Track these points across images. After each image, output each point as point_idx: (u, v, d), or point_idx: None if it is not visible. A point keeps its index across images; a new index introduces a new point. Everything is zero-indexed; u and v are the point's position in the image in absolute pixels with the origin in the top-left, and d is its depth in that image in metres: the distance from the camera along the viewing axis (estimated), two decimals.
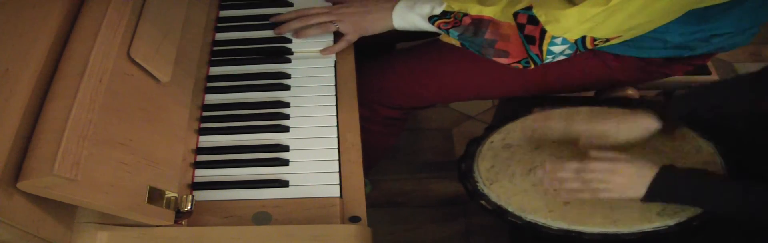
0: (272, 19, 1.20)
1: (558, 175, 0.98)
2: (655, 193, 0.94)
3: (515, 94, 1.33)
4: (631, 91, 1.38)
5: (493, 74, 1.26)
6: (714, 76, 1.44)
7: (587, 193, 0.97)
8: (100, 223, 0.84)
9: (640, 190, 0.94)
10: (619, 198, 0.96)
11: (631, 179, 0.94)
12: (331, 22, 1.16)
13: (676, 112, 1.02)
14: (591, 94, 1.49)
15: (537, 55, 1.01)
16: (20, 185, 0.71)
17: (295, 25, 1.17)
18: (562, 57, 1.02)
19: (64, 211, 0.81)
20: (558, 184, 0.98)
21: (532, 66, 1.04)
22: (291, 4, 1.25)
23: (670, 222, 0.98)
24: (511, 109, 1.29)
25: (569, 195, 0.99)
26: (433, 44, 1.30)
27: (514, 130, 1.16)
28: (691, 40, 1.14)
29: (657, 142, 1.10)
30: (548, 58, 1.01)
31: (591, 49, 1.01)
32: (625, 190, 0.95)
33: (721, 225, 0.99)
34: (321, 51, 1.16)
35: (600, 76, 1.27)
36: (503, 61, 1.04)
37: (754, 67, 2.08)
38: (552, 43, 0.99)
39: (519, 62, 1.04)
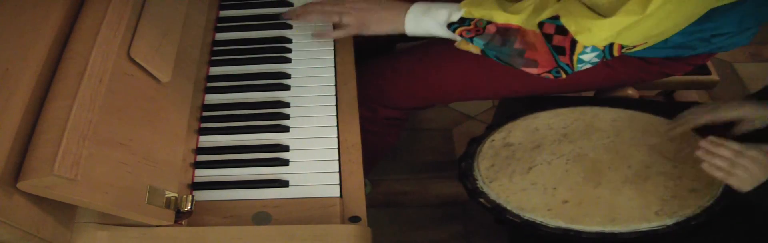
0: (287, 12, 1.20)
1: (717, 151, 0.96)
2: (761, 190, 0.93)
3: (516, 95, 1.33)
4: (631, 91, 1.38)
5: (494, 74, 1.26)
6: (714, 76, 1.44)
7: (724, 173, 0.95)
8: (100, 223, 0.84)
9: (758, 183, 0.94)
10: (738, 187, 0.95)
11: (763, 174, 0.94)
12: (337, 13, 1.13)
13: None
14: (591, 94, 1.49)
15: (567, 65, 0.98)
16: (20, 185, 0.71)
17: (302, 9, 1.16)
18: (589, 65, 0.99)
19: (64, 211, 0.81)
20: (710, 157, 0.96)
21: (563, 76, 1.01)
22: (291, 4, 1.25)
23: (669, 221, 0.98)
24: (511, 109, 1.29)
25: (707, 169, 0.97)
26: (434, 44, 1.30)
27: (515, 129, 1.16)
28: (692, 39, 1.14)
29: (658, 142, 1.10)
30: (579, 67, 0.99)
31: (618, 57, 0.99)
32: (752, 183, 0.94)
33: (720, 225, 0.99)
34: (313, 34, 1.15)
35: (600, 76, 1.27)
36: (532, 71, 1.01)
37: (753, 67, 2.10)
38: (582, 52, 0.96)
39: (549, 72, 1.00)
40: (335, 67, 1.15)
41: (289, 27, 1.21)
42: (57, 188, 0.72)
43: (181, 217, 0.88)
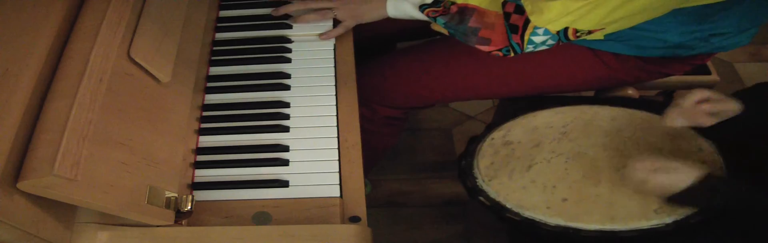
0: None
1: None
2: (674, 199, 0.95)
3: (515, 94, 1.33)
4: (631, 91, 1.38)
5: (494, 74, 1.26)
6: (714, 76, 1.44)
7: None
8: (100, 223, 0.84)
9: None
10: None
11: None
12: (329, 9, 1.18)
13: None
14: (591, 94, 1.49)
15: (518, 44, 1.02)
16: (20, 185, 0.71)
17: (294, 7, 1.20)
18: (543, 47, 1.03)
19: (64, 211, 0.81)
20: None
21: (512, 55, 1.04)
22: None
23: (668, 220, 0.98)
24: (511, 109, 1.29)
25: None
26: (434, 44, 1.30)
27: (515, 128, 1.16)
28: (691, 39, 1.14)
29: (657, 141, 1.10)
30: (529, 48, 1.02)
31: (573, 41, 1.02)
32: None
33: (719, 223, 0.99)
34: (320, 35, 1.18)
35: (600, 76, 1.27)
36: (484, 48, 1.05)
37: (753, 67, 2.10)
38: (534, 34, 1.00)
39: (499, 50, 1.05)
40: (335, 67, 1.15)
41: (289, 27, 1.21)
42: (57, 188, 0.72)
43: (181, 217, 0.88)
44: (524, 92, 1.31)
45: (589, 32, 1.00)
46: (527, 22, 0.99)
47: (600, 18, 0.96)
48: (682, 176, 0.93)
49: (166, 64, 0.97)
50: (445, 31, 1.10)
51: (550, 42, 1.01)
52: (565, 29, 0.99)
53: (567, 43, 1.04)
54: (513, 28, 1.00)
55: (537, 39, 1.00)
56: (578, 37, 1.00)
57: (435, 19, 1.08)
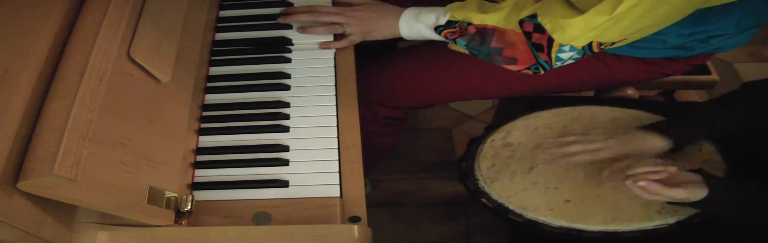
0: (283, 11, 1.21)
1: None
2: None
3: (516, 94, 1.33)
4: (631, 91, 1.38)
5: (494, 74, 1.25)
6: (714, 76, 1.44)
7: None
8: (100, 223, 0.84)
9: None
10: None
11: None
12: (339, 24, 1.17)
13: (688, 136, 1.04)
14: (591, 94, 1.49)
15: (546, 61, 1.00)
16: (20, 185, 0.71)
17: (305, 17, 1.18)
18: (570, 61, 1.01)
19: (64, 211, 0.81)
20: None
21: (542, 72, 1.03)
22: (291, 4, 1.25)
23: (671, 220, 0.98)
24: (511, 109, 1.29)
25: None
26: (434, 44, 1.30)
27: (515, 129, 1.16)
28: (690, 40, 1.14)
29: None
30: (557, 64, 1.01)
31: (597, 53, 1.01)
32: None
33: (721, 223, 0.99)
34: (321, 43, 1.17)
35: (600, 76, 1.27)
36: (513, 68, 1.04)
37: (753, 67, 2.10)
38: (560, 51, 0.98)
39: (528, 69, 1.03)
40: (335, 67, 1.15)
41: (289, 27, 1.21)
42: (57, 188, 0.72)
43: (181, 217, 0.88)
44: (524, 92, 1.31)
45: (612, 44, 0.99)
46: (551, 40, 0.97)
47: (623, 29, 0.95)
48: (697, 192, 0.92)
49: (166, 64, 0.97)
50: (465, 51, 1.09)
51: (576, 56, 1.00)
52: (589, 43, 0.97)
53: None
54: (537, 47, 0.99)
55: (564, 55, 0.99)
56: (602, 48, 0.99)
57: (455, 40, 1.07)
